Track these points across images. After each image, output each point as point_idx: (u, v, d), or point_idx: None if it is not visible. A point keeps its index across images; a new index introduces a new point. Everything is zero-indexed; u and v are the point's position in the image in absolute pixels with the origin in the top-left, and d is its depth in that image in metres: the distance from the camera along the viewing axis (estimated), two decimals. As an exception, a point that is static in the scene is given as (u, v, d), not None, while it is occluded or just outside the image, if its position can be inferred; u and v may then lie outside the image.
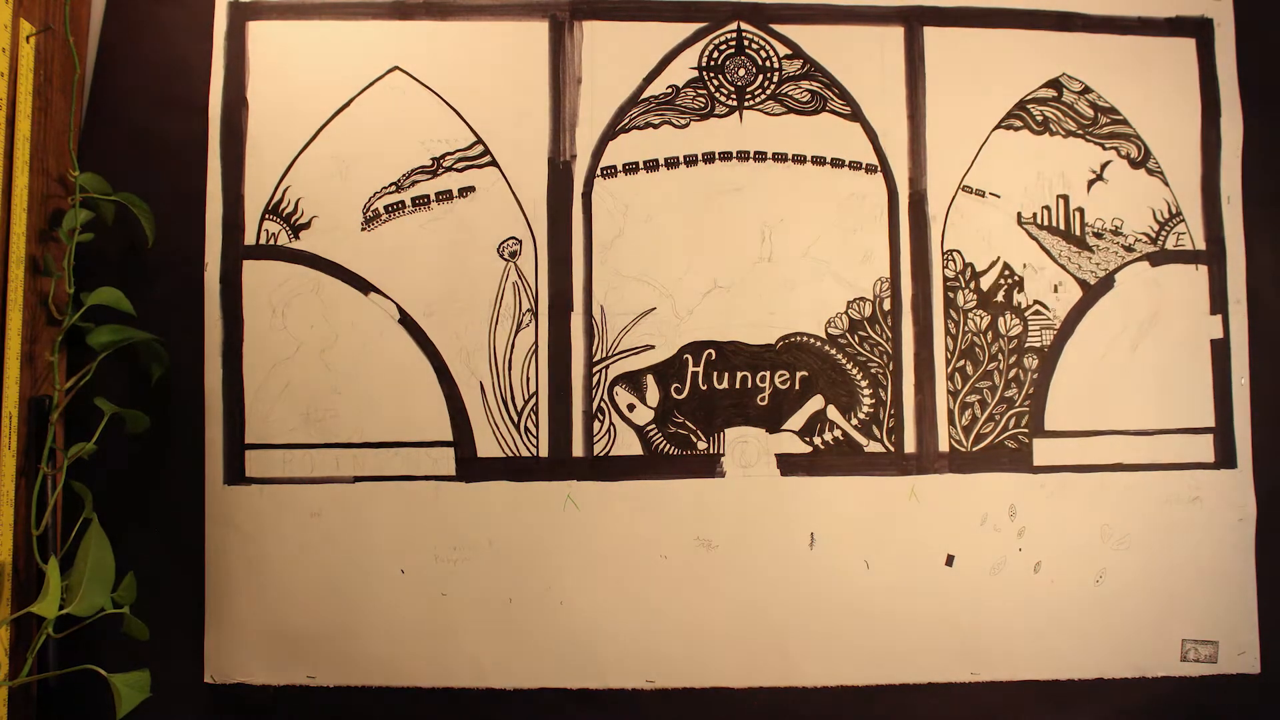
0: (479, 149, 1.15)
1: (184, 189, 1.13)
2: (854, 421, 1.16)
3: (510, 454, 1.13)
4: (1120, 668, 1.15)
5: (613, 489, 1.13)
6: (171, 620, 1.08)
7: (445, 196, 1.15)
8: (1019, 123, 1.20)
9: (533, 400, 1.13)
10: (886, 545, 1.14)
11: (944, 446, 1.16)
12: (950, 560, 1.15)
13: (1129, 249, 1.20)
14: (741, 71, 1.18)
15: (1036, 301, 1.19)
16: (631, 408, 1.15)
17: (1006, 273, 1.19)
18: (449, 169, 1.15)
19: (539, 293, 1.15)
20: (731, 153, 1.17)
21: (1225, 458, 1.18)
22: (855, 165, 1.18)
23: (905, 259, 1.18)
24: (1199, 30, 1.22)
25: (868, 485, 1.15)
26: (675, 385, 1.15)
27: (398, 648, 1.11)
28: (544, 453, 1.13)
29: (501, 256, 1.15)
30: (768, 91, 1.18)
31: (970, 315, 1.18)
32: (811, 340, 1.16)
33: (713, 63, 1.18)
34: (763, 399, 1.16)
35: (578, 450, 1.13)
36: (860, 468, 1.15)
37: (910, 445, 1.16)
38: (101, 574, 0.97)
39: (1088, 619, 1.15)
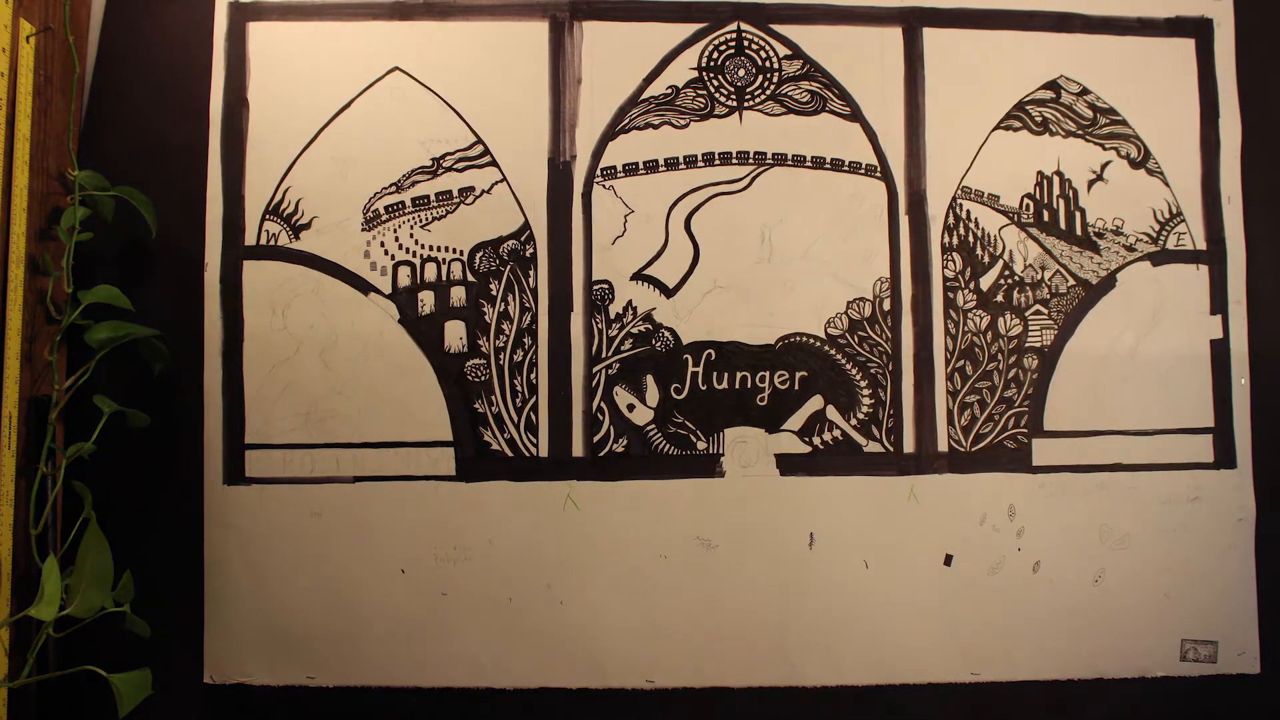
0: (479, 149, 1.15)
1: (184, 189, 1.13)
2: (853, 421, 1.16)
3: (510, 454, 1.13)
4: (1120, 668, 1.15)
5: (613, 489, 1.13)
6: (171, 620, 1.08)
7: (445, 197, 1.15)
8: (1018, 123, 1.20)
9: (533, 400, 1.13)
10: (886, 545, 1.14)
11: (943, 446, 1.16)
12: (949, 560, 1.15)
13: (1130, 249, 1.20)
14: (741, 72, 1.18)
15: (1037, 301, 1.19)
16: (631, 408, 1.15)
17: (1006, 273, 1.19)
18: (449, 169, 1.15)
19: (539, 293, 1.15)
20: (731, 153, 1.17)
21: (1225, 458, 1.18)
22: (855, 166, 1.18)
23: (905, 259, 1.18)
24: (1198, 30, 1.22)
25: (867, 485, 1.15)
26: (675, 385, 1.15)
27: (398, 648, 1.11)
28: (544, 453, 1.13)
29: (502, 256, 1.15)
30: (767, 92, 1.18)
31: (970, 315, 1.18)
32: (811, 340, 1.16)
33: (712, 63, 1.18)
34: (762, 399, 1.16)
35: (578, 450, 1.13)
36: (859, 468, 1.15)
37: (909, 445, 1.16)
38: (100, 574, 0.97)
39: (1087, 619, 1.15)
